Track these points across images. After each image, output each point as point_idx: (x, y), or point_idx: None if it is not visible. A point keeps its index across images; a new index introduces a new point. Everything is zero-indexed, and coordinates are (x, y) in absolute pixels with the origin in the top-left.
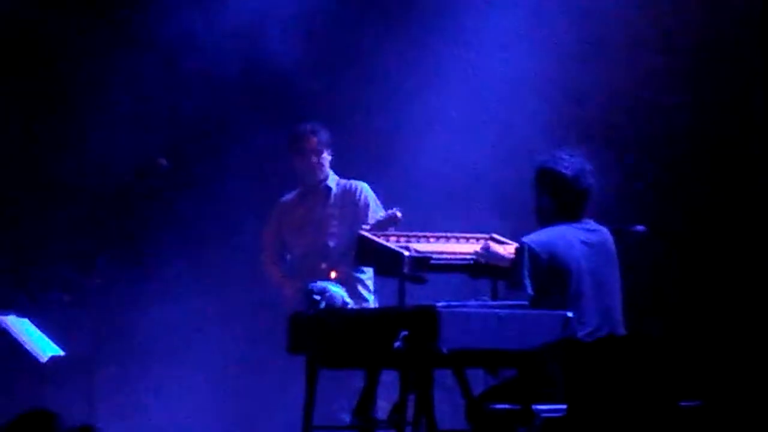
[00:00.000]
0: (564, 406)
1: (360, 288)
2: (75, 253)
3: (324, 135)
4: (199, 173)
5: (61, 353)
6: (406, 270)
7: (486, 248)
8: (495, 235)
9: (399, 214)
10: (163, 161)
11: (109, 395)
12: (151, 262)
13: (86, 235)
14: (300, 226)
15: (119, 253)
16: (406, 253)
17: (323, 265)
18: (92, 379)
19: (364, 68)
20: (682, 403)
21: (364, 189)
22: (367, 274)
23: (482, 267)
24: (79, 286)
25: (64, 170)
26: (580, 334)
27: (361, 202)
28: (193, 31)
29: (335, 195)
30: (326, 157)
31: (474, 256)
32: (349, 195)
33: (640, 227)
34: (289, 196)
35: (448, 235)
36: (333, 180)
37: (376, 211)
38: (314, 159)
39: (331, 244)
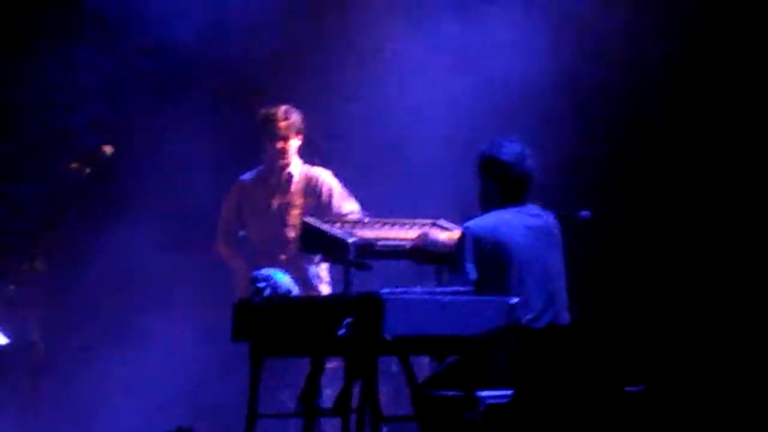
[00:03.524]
0: (508, 392)
1: (317, 283)
2: (19, 241)
3: (295, 120)
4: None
5: (6, 341)
6: (350, 256)
7: (424, 235)
8: (440, 221)
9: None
10: (108, 148)
11: (54, 383)
12: (97, 252)
13: (32, 222)
14: (259, 211)
15: (63, 241)
16: (351, 240)
17: (282, 257)
18: (38, 367)
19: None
20: (626, 389)
21: (325, 179)
22: (323, 266)
23: (426, 253)
24: (23, 275)
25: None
26: (524, 319)
27: (324, 193)
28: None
29: (296, 183)
30: (294, 142)
31: (412, 244)
32: (310, 184)
33: (584, 212)
34: (249, 176)
35: (394, 221)
36: (296, 166)
37: (341, 199)
38: (280, 144)
39: (291, 234)
